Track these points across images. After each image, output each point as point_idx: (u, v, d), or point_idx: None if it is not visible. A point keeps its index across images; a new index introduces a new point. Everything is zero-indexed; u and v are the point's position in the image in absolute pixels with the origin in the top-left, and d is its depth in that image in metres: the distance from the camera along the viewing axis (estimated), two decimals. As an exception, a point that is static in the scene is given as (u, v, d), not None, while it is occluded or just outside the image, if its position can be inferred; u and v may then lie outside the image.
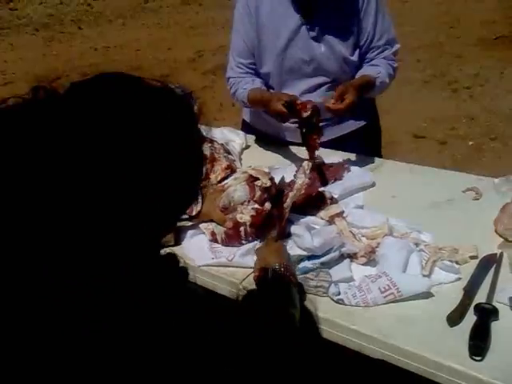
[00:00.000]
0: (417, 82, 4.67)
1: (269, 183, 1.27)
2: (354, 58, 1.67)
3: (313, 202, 1.33)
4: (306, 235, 1.16)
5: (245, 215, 1.21)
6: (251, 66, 1.72)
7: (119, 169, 0.61)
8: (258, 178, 1.28)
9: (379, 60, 1.68)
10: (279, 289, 0.97)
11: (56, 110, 0.62)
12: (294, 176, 1.32)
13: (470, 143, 3.56)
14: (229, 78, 1.77)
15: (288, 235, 1.22)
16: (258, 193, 1.25)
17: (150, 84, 0.68)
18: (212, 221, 1.28)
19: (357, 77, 1.65)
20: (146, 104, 0.65)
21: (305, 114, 1.48)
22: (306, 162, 1.37)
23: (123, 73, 0.68)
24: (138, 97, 0.65)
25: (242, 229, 1.21)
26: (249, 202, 1.24)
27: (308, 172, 1.30)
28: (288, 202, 1.21)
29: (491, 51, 5.22)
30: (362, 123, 1.78)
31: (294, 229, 1.22)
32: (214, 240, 1.25)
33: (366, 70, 1.66)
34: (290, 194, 1.22)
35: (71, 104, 0.63)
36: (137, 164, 0.62)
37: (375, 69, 1.66)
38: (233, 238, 1.23)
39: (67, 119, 0.61)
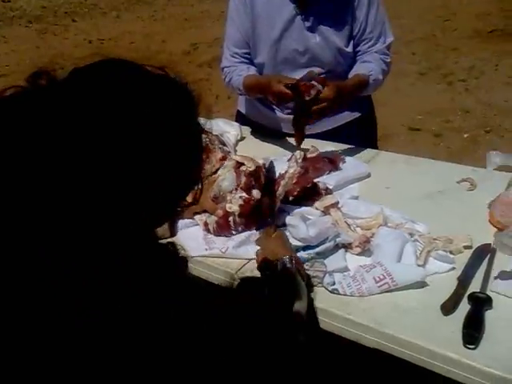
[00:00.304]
0: (412, 74, 4.68)
1: (253, 167, 1.26)
2: (349, 49, 1.67)
3: (308, 193, 1.33)
4: (301, 225, 1.16)
5: (233, 205, 1.21)
6: (246, 55, 1.72)
7: (119, 156, 0.61)
8: (243, 164, 1.28)
9: (372, 55, 1.67)
10: (288, 282, 0.97)
11: (58, 97, 0.61)
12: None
13: (465, 135, 3.57)
14: (223, 68, 1.77)
15: (282, 226, 1.22)
16: (244, 179, 1.24)
17: (152, 72, 0.68)
18: (206, 211, 1.28)
19: (350, 76, 1.64)
20: (147, 91, 0.65)
21: (307, 97, 1.47)
22: (298, 151, 1.37)
23: (125, 59, 0.68)
24: (139, 84, 0.65)
25: (231, 219, 1.21)
26: (236, 190, 1.23)
27: (300, 161, 1.30)
28: (280, 191, 1.21)
29: (486, 44, 5.23)
30: (356, 115, 1.78)
31: (288, 219, 1.22)
32: (206, 230, 1.25)
33: (359, 69, 1.65)
34: (282, 183, 1.22)
35: (73, 90, 0.62)
36: (137, 151, 0.62)
37: (367, 66, 1.65)
38: (223, 227, 1.22)
39: (69, 105, 0.61)
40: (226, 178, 1.27)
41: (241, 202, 1.21)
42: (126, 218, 0.63)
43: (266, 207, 1.21)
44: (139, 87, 0.65)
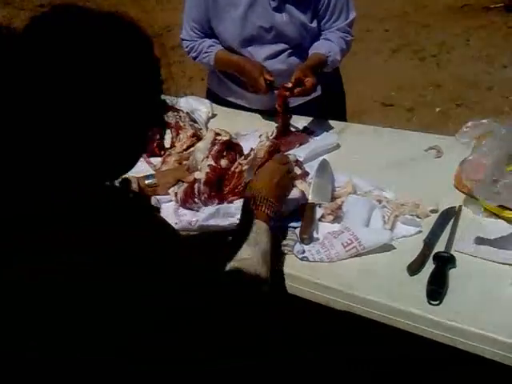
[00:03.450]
0: (385, 51, 4.70)
1: (227, 137, 1.27)
2: (314, 24, 1.68)
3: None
4: None
5: (201, 172, 1.22)
6: (207, 31, 1.71)
7: (75, 99, 0.63)
8: (220, 135, 1.30)
9: (333, 33, 1.69)
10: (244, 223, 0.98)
11: (15, 45, 0.63)
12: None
13: (437, 109, 3.61)
14: (183, 40, 1.76)
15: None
16: (216, 147, 1.26)
17: (106, 14, 0.69)
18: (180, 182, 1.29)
19: (310, 55, 1.65)
20: (102, 34, 0.66)
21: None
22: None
23: (79, 5, 0.68)
24: (93, 27, 0.66)
25: (196, 186, 1.22)
26: (207, 158, 1.24)
27: (271, 137, 1.31)
28: (248, 158, 1.23)
29: (458, 19, 5.27)
30: (317, 93, 1.78)
31: None
32: (175, 200, 1.26)
33: (319, 48, 1.66)
34: (252, 154, 1.23)
35: (30, 38, 0.64)
36: (92, 93, 0.64)
37: (327, 45, 1.66)
38: (187, 195, 1.23)
39: (26, 53, 0.62)
40: (200, 149, 1.28)
41: (207, 169, 1.22)
42: (81, 160, 0.66)
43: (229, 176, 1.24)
44: (94, 27, 0.66)
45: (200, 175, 1.21)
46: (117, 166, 0.73)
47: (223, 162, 1.24)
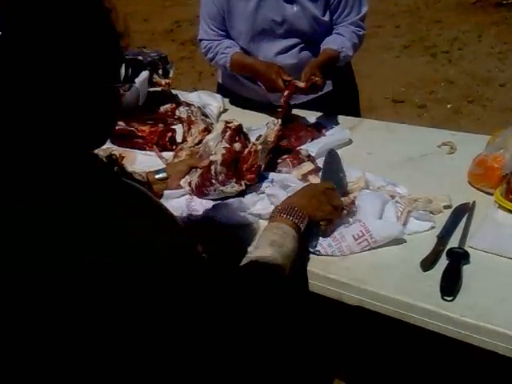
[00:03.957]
0: (396, 47, 4.68)
1: (238, 122, 1.29)
2: (326, 17, 1.67)
3: (289, 159, 1.35)
4: (281, 193, 1.18)
5: (217, 155, 1.22)
6: (223, 27, 1.71)
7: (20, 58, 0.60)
8: (231, 122, 1.31)
9: (345, 28, 1.67)
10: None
11: None
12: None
13: (449, 106, 3.59)
14: (201, 40, 1.76)
15: (261, 194, 1.23)
16: (228, 132, 1.27)
17: None
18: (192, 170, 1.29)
19: (321, 50, 1.64)
20: None
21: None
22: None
23: None
24: None
25: (212, 167, 1.21)
26: (221, 141, 1.26)
27: (277, 124, 1.33)
28: (260, 140, 1.25)
29: (469, 15, 5.23)
30: (328, 88, 1.77)
31: (268, 190, 1.24)
32: (189, 190, 1.25)
33: (331, 43, 1.65)
34: (260, 140, 1.26)
35: None
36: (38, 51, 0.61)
37: (340, 40, 1.65)
38: (204, 178, 1.22)
39: None
40: (211, 138, 1.29)
41: (223, 151, 1.22)
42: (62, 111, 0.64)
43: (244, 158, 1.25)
44: None
45: (216, 157, 1.21)
46: (88, 128, 0.68)
47: (237, 145, 1.25)
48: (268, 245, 0.90)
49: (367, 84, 3.63)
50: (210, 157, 1.23)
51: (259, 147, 1.25)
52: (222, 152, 1.23)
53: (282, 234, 0.93)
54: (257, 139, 1.30)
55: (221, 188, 1.21)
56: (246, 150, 1.26)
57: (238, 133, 1.29)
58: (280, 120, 1.36)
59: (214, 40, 1.73)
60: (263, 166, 1.30)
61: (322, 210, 1.04)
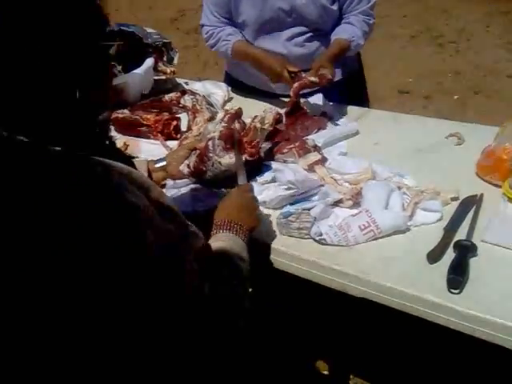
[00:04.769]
0: (403, 37, 4.63)
1: (236, 108, 1.30)
2: (334, 6, 1.64)
3: (295, 149, 1.33)
4: (287, 170, 1.18)
5: (215, 132, 1.22)
6: (227, 15, 1.68)
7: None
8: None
9: (355, 17, 1.65)
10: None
11: None
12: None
13: (455, 97, 3.56)
14: (203, 26, 1.74)
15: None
16: (228, 115, 1.27)
17: None
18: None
19: (332, 40, 1.62)
20: None
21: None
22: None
23: None
24: None
25: (210, 142, 1.20)
26: (220, 123, 1.25)
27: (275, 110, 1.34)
28: (258, 118, 1.26)
29: (477, 5, 5.17)
30: (338, 77, 1.75)
31: (275, 165, 1.25)
32: (188, 173, 1.24)
33: (341, 33, 1.63)
34: (257, 125, 1.25)
35: None
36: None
37: (351, 30, 1.63)
38: (202, 154, 1.21)
39: None
40: (212, 123, 1.30)
41: (221, 128, 1.22)
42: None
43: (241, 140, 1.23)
44: None
45: (214, 135, 1.21)
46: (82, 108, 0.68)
47: (236, 125, 1.24)
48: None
49: (373, 74, 3.58)
50: (209, 135, 1.22)
51: (258, 124, 1.25)
52: (220, 129, 1.22)
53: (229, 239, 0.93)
54: (253, 119, 1.30)
55: (218, 160, 1.19)
56: (247, 126, 1.26)
57: (238, 117, 1.28)
58: (277, 109, 1.36)
59: (217, 26, 1.70)
60: (263, 152, 1.29)
61: (256, 218, 1.04)
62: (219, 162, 1.20)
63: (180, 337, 0.71)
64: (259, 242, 1.11)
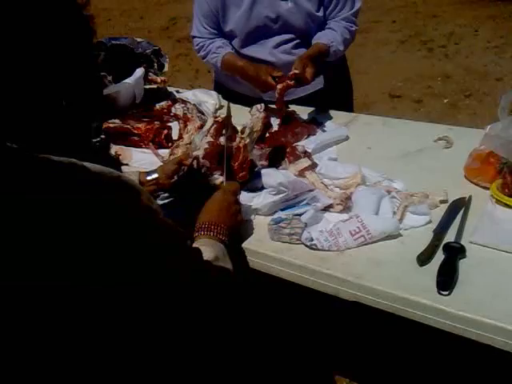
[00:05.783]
0: (393, 42, 4.67)
1: (223, 116, 1.30)
2: (320, 13, 1.66)
3: (285, 156, 1.34)
4: (276, 173, 1.20)
5: (200, 150, 1.23)
6: (216, 26, 1.71)
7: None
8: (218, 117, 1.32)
9: (337, 23, 1.67)
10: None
11: None
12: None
13: (446, 101, 3.59)
14: (194, 37, 1.76)
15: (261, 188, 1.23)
16: (214, 126, 1.27)
17: None
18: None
19: (312, 44, 1.64)
20: None
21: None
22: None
23: None
24: None
25: (194, 162, 1.22)
26: (206, 136, 1.26)
27: (261, 110, 1.34)
28: (246, 132, 1.25)
29: (466, 10, 5.23)
30: (319, 86, 1.77)
31: (264, 170, 1.25)
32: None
33: (321, 37, 1.65)
34: (246, 130, 1.24)
35: None
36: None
37: (330, 35, 1.65)
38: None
39: None
40: (198, 135, 1.30)
41: (206, 145, 1.23)
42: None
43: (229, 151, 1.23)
44: None
45: (199, 152, 1.21)
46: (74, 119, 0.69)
47: (222, 139, 1.24)
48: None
49: (364, 79, 3.64)
50: (193, 152, 1.23)
51: (247, 140, 1.25)
52: (204, 146, 1.23)
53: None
54: (242, 132, 1.29)
55: (203, 182, 1.21)
56: (235, 144, 1.25)
57: (224, 124, 1.28)
58: (263, 107, 1.37)
59: (207, 39, 1.73)
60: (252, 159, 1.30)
61: (238, 218, 1.06)
62: (205, 183, 1.21)
63: (177, 329, 0.71)
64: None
